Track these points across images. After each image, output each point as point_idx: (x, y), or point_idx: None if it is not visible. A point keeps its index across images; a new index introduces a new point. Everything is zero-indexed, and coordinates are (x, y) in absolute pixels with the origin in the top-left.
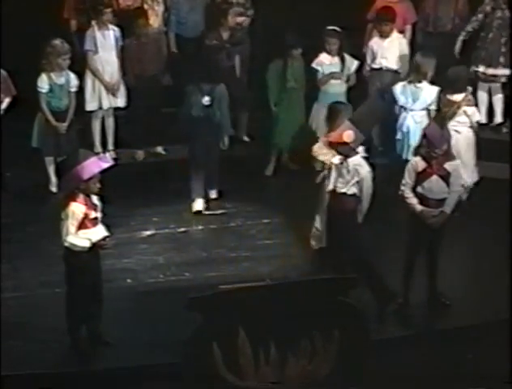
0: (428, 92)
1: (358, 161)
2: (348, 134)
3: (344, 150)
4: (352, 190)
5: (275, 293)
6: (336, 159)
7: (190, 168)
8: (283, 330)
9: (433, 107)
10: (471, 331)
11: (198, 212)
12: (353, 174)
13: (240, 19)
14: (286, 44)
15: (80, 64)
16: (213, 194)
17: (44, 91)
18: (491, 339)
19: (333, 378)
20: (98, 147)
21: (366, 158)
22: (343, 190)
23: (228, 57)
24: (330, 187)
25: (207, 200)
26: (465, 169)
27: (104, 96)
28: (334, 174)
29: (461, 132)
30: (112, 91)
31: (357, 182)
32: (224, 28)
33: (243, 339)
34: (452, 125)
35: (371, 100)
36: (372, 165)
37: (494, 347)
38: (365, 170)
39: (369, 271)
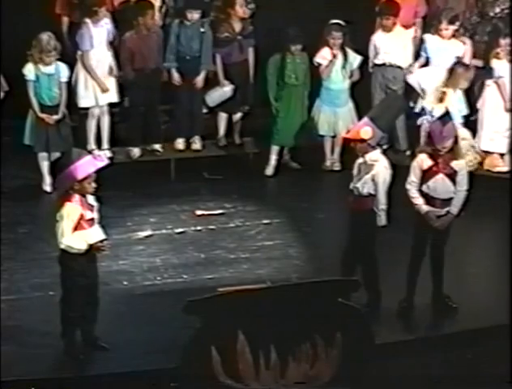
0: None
1: (376, 156)
2: (366, 131)
3: (362, 148)
4: (367, 188)
5: (276, 296)
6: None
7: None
8: (283, 333)
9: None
10: (472, 332)
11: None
12: (368, 170)
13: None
14: (285, 39)
15: (71, 58)
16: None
17: (30, 78)
18: (491, 340)
19: (335, 382)
20: (92, 145)
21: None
22: (359, 190)
23: (241, 50)
24: (350, 186)
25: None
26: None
27: (99, 92)
28: (354, 173)
29: (490, 85)
30: (103, 87)
31: (372, 180)
32: (235, 20)
33: (242, 343)
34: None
35: (389, 96)
36: (393, 165)
37: (495, 347)
38: (382, 165)
39: (375, 271)
